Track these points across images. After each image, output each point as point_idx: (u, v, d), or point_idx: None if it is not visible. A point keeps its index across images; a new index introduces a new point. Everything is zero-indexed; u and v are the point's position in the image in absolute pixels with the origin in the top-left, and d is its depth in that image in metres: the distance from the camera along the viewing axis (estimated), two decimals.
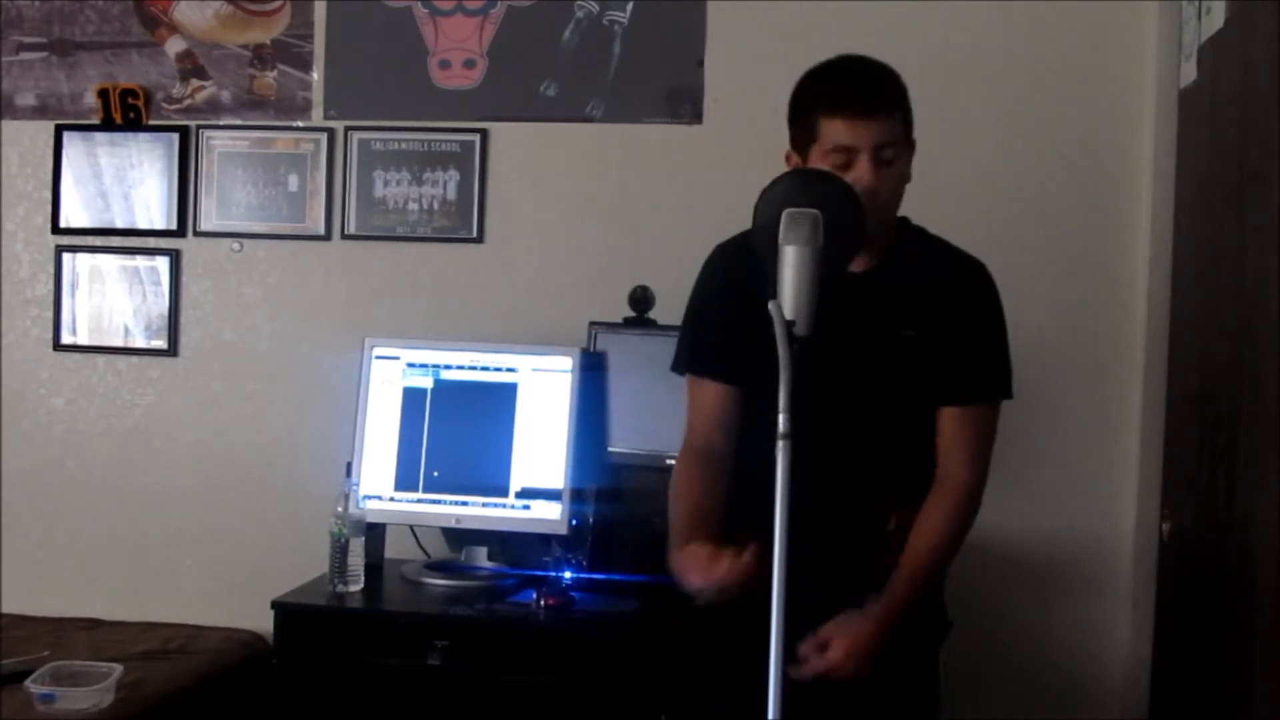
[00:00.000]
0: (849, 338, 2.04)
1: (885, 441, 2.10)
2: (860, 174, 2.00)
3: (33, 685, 2.60)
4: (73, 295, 3.47)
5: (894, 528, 2.09)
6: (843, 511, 2.08)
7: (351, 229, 3.35)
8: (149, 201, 3.43)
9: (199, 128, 3.41)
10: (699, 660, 2.21)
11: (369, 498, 2.99)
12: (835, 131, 2.02)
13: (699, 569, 1.90)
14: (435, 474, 3.00)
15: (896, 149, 2.04)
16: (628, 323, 3.04)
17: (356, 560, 2.85)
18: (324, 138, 3.35)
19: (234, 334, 3.42)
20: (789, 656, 1.76)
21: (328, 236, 3.36)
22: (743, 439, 2.14)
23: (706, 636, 2.17)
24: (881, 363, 2.08)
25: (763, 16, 3.16)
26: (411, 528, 3.08)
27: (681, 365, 2.19)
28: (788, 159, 2.12)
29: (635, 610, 2.73)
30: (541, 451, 2.95)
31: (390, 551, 3.07)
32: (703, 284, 2.21)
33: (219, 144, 3.40)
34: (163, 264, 3.43)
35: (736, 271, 2.10)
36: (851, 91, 2.03)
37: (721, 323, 2.13)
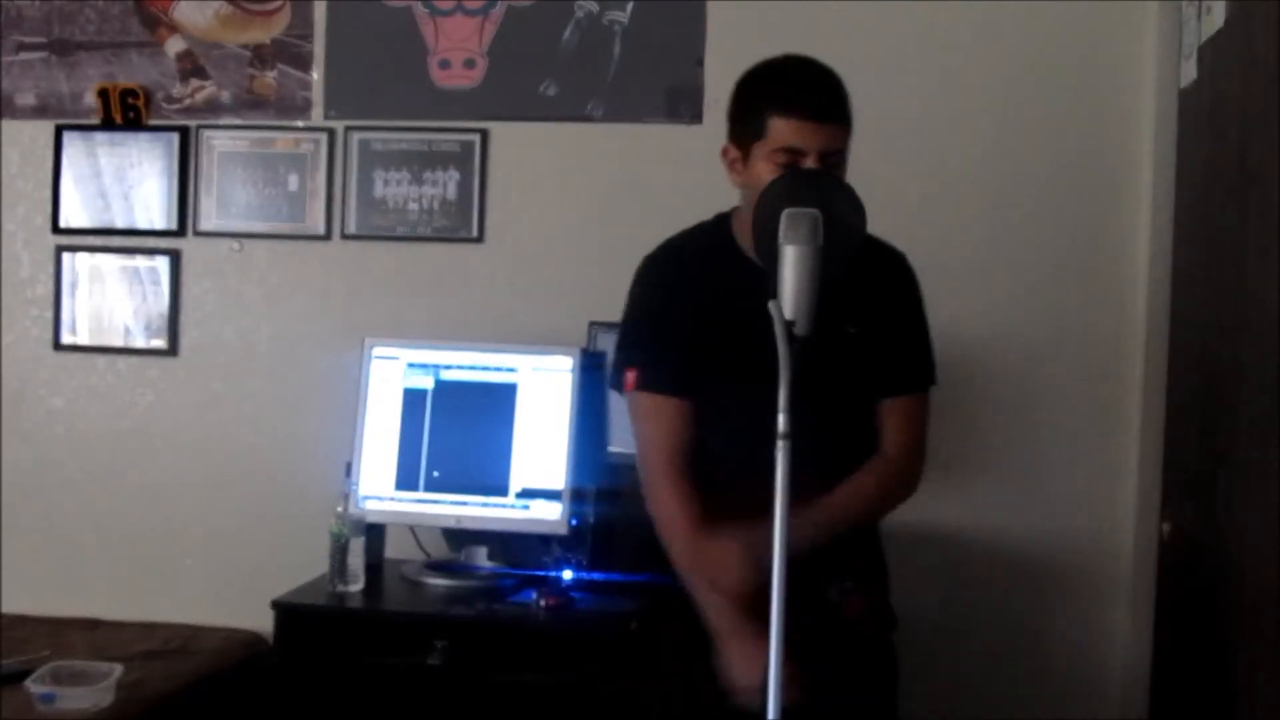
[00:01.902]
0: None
1: (839, 435, 2.12)
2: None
3: (33, 685, 2.60)
4: (73, 295, 3.47)
5: None
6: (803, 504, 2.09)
7: (351, 229, 3.35)
8: (149, 201, 3.43)
9: (199, 128, 3.41)
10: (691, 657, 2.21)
11: (369, 498, 2.99)
12: (785, 132, 2.03)
13: (746, 666, 1.94)
14: (435, 474, 3.00)
15: (840, 156, 2.06)
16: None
17: (356, 560, 2.85)
18: (324, 138, 3.35)
19: (234, 334, 3.42)
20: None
21: (328, 236, 3.36)
22: (709, 446, 2.16)
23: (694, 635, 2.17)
24: (830, 358, 2.07)
25: (763, 16, 3.15)
26: (411, 528, 3.08)
27: (644, 384, 2.15)
28: (725, 153, 2.12)
29: (635, 610, 2.72)
30: (541, 451, 2.95)
31: (390, 551, 3.07)
32: (645, 299, 2.20)
33: (219, 144, 3.40)
34: (163, 264, 3.43)
35: (674, 280, 2.15)
36: (807, 95, 2.04)
37: (674, 336, 2.13)
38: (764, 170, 2.04)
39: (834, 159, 2.04)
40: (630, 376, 2.17)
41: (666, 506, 2.15)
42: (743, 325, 1.97)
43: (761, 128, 2.05)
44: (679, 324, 2.14)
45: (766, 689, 1.87)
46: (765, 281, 1.91)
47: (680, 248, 2.23)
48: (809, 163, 2.02)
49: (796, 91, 2.05)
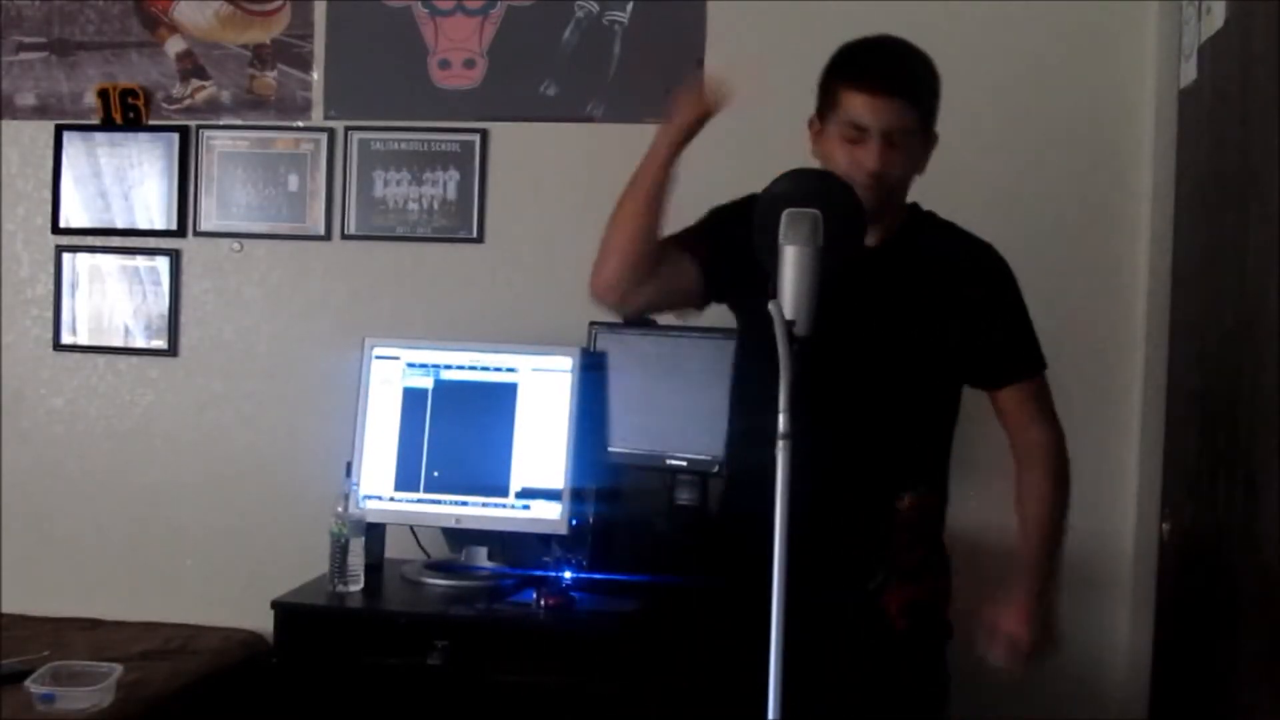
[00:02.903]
0: (861, 310, 2.05)
1: (893, 421, 2.10)
2: (867, 153, 2.02)
3: (33, 685, 2.60)
4: (73, 295, 3.47)
5: (908, 507, 2.10)
6: (851, 492, 2.08)
7: (351, 229, 3.35)
8: (149, 201, 3.43)
9: (199, 128, 3.41)
10: (698, 652, 2.20)
11: (369, 498, 2.99)
12: (852, 105, 2.03)
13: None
14: (435, 474, 3.00)
15: (908, 135, 2.04)
16: (628, 323, 3.03)
17: (356, 560, 2.84)
18: (324, 138, 3.35)
19: (234, 334, 3.42)
20: (810, 643, 1.83)
21: (328, 236, 3.36)
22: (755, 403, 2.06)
23: (706, 630, 2.17)
24: (892, 341, 2.08)
25: (763, 16, 3.15)
26: (411, 528, 3.08)
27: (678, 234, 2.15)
28: (810, 124, 2.13)
29: (635, 610, 2.73)
30: (541, 451, 2.95)
31: (390, 551, 3.07)
32: (719, 212, 2.20)
33: (219, 144, 3.40)
34: (163, 264, 3.43)
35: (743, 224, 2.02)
36: (875, 68, 2.05)
37: (733, 243, 2.03)
38: (834, 144, 2.05)
39: (899, 136, 2.02)
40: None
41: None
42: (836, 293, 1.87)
43: (834, 99, 2.06)
44: (735, 240, 2.01)
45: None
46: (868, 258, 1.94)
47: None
48: (871, 140, 2.01)
49: (866, 63, 2.06)
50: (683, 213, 3.06)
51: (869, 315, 2.07)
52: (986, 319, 2.12)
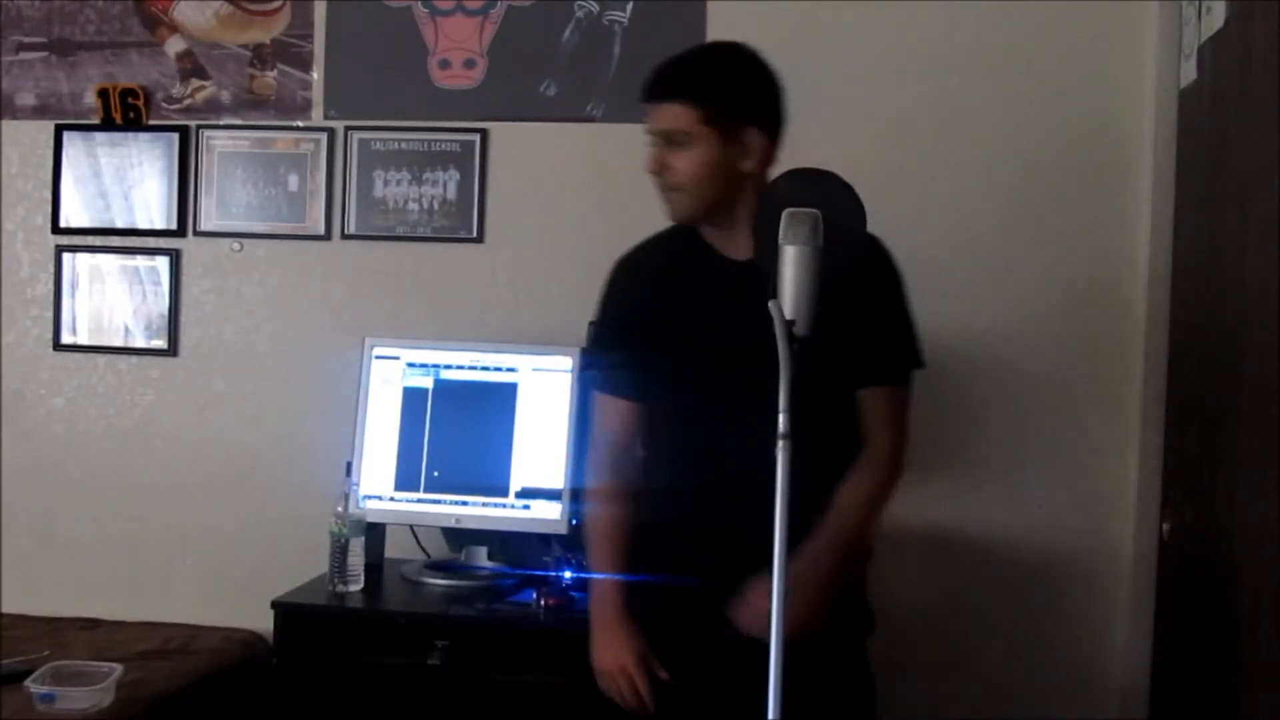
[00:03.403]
0: (745, 323, 2.03)
1: (819, 428, 2.09)
2: (649, 157, 2.10)
3: (33, 685, 2.60)
4: (73, 295, 3.47)
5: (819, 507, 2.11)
6: (761, 498, 2.08)
7: (351, 229, 3.35)
8: (149, 201, 3.43)
9: (199, 128, 3.41)
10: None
11: (369, 498, 2.99)
12: (648, 119, 2.11)
13: (628, 668, 2.10)
14: (435, 474, 3.00)
15: (689, 137, 2.06)
16: None
17: (356, 560, 2.85)
18: (324, 138, 3.35)
19: (234, 334, 3.42)
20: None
21: (328, 236, 3.36)
22: (670, 445, 2.20)
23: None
24: (814, 350, 2.09)
25: (763, 16, 3.15)
26: (411, 528, 3.08)
27: (598, 386, 2.24)
28: None
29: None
30: (541, 451, 2.95)
31: (390, 551, 3.07)
32: (607, 302, 2.25)
33: (219, 144, 3.40)
34: (163, 264, 3.43)
35: (636, 285, 2.19)
36: (650, 79, 2.11)
37: (624, 341, 2.18)
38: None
39: (676, 137, 2.06)
40: (590, 376, 2.26)
41: (590, 511, 2.24)
42: (716, 319, 2.05)
43: None
44: (638, 330, 2.17)
45: (619, 676, 2.09)
46: (736, 273, 2.00)
47: (647, 250, 2.24)
48: (655, 143, 2.10)
49: (651, 71, 2.11)
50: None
51: (756, 327, 2.08)
52: (867, 317, 2.09)
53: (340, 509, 2.87)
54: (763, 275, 2.08)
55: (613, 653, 2.13)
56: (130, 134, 3.42)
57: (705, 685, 2.09)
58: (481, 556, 3.01)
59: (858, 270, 2.08)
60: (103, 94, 3.42)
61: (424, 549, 3.10)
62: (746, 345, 2.05)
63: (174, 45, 3.42)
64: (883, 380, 2.14)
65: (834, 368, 2.09)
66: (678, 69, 2.10)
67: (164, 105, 3.43)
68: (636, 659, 2.11)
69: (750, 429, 2.05)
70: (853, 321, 2.07)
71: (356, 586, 2.84)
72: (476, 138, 3.28)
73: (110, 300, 3.46)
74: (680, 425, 2.17)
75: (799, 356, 2.00)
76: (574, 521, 2.89)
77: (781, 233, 1.76)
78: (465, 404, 3.01)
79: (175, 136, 3.40)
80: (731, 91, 2.09)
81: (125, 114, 3.42)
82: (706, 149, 2.06)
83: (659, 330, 2.13)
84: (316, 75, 3.36)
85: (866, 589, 2.24)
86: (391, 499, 3.01)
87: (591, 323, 2.31)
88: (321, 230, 3.35)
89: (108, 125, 3.43)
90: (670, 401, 2.16)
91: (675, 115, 2.05)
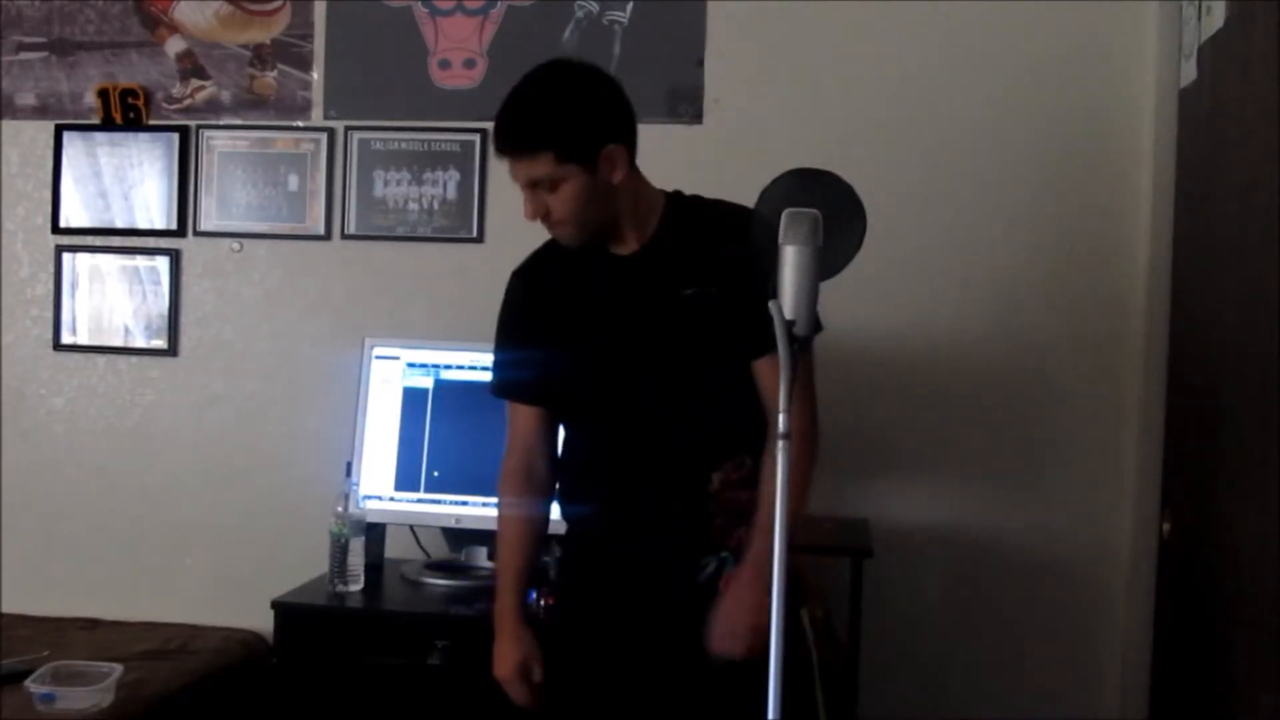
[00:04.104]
0: (632, 313, 2.13)
1: (692, 402, 2.13)
2: (527, 207, 2.12)
3: (33, 685, 2.60)
4: (73, 295, 3.47)
5: (719, 486, 2.12)
6: (664, 477, 2.13)
7: (351, 229, 3.35)
8: (149, 201, 3.43)
9: (199, 128, 3.41)
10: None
11: (369, 498, 2.99)
12: (509, 169, 2.11)
13: (513, 677, 2.17)
14: (435, 474, 3.00)
15: (552, 177, 2.07)
16: None
17: (356, 560, 2.85)
18: (324, 138, 3.35)
19: (234, 334, 3.42)
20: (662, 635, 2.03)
21: (328, 236, 3.36)
22: (569, 444, 2.26)
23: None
24: (668, 327, 2.12)
25: (763, 16, 3.16)
26: (411, 528, 3.08)
27: (495, 391, 2.27)
28: None
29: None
30: None
31: (390, 551, 3.08)
32: (503, 311, 2.28)
33: (219, 144, 3.40)
34: (163, 264, 3.43)
35: (527, 292, 2.24)
36: (498, 132, 2.09)
37: (524, 347, 2.23)
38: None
39: (543, 184, 2.07)
40: (493, 382, 2.28)
41: (499, 515, 2.27)
42: (609, 315, 2.12)
43: None
44: (533, 335, 2.22)
45: (506, 684, 2.17)
46: (625, 267, 2.11)
47: (540, 257, 2.28)
48: (525, 190, 2.10)
49: (495, 130, 2.10)
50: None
51: (641, 315, 2.14)
52: (745, 284, 2.03)
53: (340, 509, 2.87)
54: (651, 263, 2.15)
55: (505, 659, 2.19)
56: (130, 134, 3.42)
57: (609, 694, 2.13)
58: (481, 556, 3.01)
59: (735, 242, 2.06)
60: (103, 94, 3.42)
61: (424, 549, 3.10)
62: (641, 337, 2.14)
63: (174, 45, 3.42)
64: (773, 347, 2.12)
65: (723, 340, 2.10)
66: (522, 120, 2.09)
67: (164, 105, 3.43)
68: (518, 669, 2.17)
69: (651, 419, 2.14)
70: (735, 294, 2.07)
71: (356, 586, 2.85)
72: (476, 138, 3.28)
73: (110, 300, 3.46)
74: (584, 425, 2.21)
75: (650, 323, 2.11)
76: None
77: (781, 233, 1.76)
78: (465, 404, 3.01)
79: (175, 136, 3.40)
80: (578, 125, 2.09)
81: (125, 114, 3.42)
82: (574, 183, 2.08)
83: (555, 333, 2.18)
84: (316, 75, 3.36)
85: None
86: (391, 499, 3.01)
87: (495, 345, 2.34)
88: (321, 230, 3.35)
89: (108, 125, 3.43)
90: (570, 402, 2.20)
91: (534, 165, 2.06)
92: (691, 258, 2.12)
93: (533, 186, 2.09)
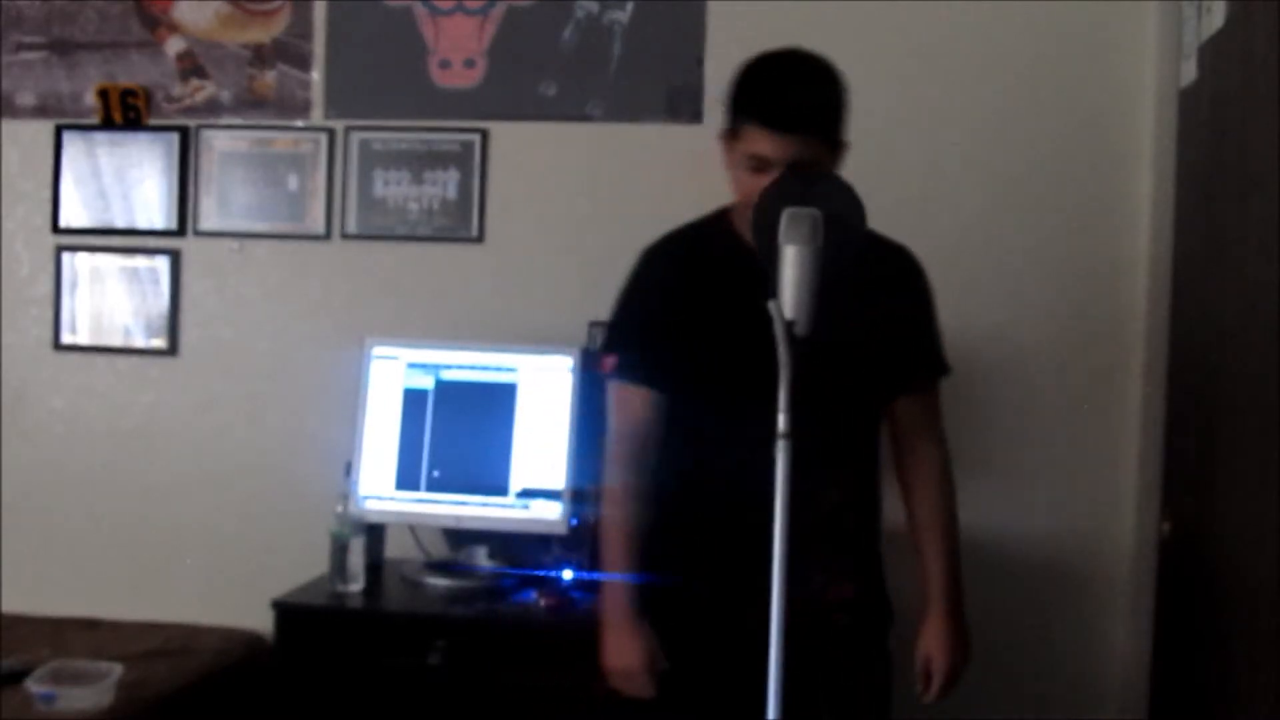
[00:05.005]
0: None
1: (821, 431, 2.11)
2: (757, 185, 2.02)
3: (33, 685, 2.60)
4: (73, 295, 3.47)
5: (837, 512, 2.15)
6: (799, 502, 2.10)
7: (351, 229, 3.35)
8: (149, 201, 3.43)
9: (199, 128, 3.41)
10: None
11: (369, 498, 2.99)
12: (755, 139, 2.03)
13: (639, 666, 2.09)
14: (435, 474, 3.00)
15: (817, 160, 2.03)
16: None
17: (356, 560, 2.85)
18: (324, 138, 3.35)
19: (234, 334, 3.42)
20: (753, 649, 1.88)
21: (328, 236, 3.36)
22: (683, 440, 2.17)
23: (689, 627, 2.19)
24: (835, 358, 2.09)
25: (763, 16, 3.15)
26: (411, 528, 3.08)
27: (621, 374, 2.20)
28: (721, 136, 2.12)
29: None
30: (541, 451, 2.95)
31: (390, 551, 3.08)
32: (634, 289, 2.22)
33: (219, 144, 3.40)
34: (163, 264, 3.43)
35: (665, 274, 2.17)
36: (777, 107, 2.03)
37: (649, 329, 2.16)
38: (739, 172, 2.07)
39: (803, 167, 2.01)
40: (608, 362, 2.21)
41: (609, 504, 2.19)
42: (741, 315, 1.99)
43: (738, 129, 2.07)
44: (665, 318, 2.14)
45: (630, 676, 2.09)
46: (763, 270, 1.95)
47: (677, 240, 2.22)
48: (774, 171, 2.00)
49: (771, 99, 2.04)
50: (687, 214, 3.06)
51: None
52: (903, 326, 2.13)
53: (340, 509, 2.87)
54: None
55: (624, 654, 2.12)
56: (130, 134, 3.42)
57: (718, 685, 2.09)
58: (481, 556, 3.01)
59: (889, 278, 2.11)
60: (103, 94, 3.42)
61: (424, 549, 3.10)
62: (772, 340, 2.08)
63: (174, 45, 3.42)
64: (921, 387, 2.19)
65: (862, 373, 2.11)
66: (807, 97, 2.06)
67: (164, 105, 3.43)
68: (646, 660, 2.10)
69: (771, 425, 2.09)
70: (885, 330, 2.09)
71: (356, 586, 2.85)
72: (476, 138, 3.28)
73: (110, 300, 3.46)
74: (700, 419, 2.14)
75: (810, 359, 2.03)
76: (574, 521, 2.89)
77: (781, 233, 1.76)
78: (465, 404, 3.01)
79: (175, 136, 3.40)
80: (844, 119, 2.11)
81: (125, 114, 3.42)
82: (825, 169, 2.05)
83: (684, 321, 2.11)
84: (316, 75, 3.36)
85: (886, 582, 2.26)
86: (391, 499, 3.01)
87: (607, 323, 2.28)
88: (321, 230, 3.36)
89: (108, 125, 3.43)
90: (692, 394, 2.13)
91: (809, 145, 2.02)
92: (851, 279, 2.11)
93: (793, 166, 2.01)
